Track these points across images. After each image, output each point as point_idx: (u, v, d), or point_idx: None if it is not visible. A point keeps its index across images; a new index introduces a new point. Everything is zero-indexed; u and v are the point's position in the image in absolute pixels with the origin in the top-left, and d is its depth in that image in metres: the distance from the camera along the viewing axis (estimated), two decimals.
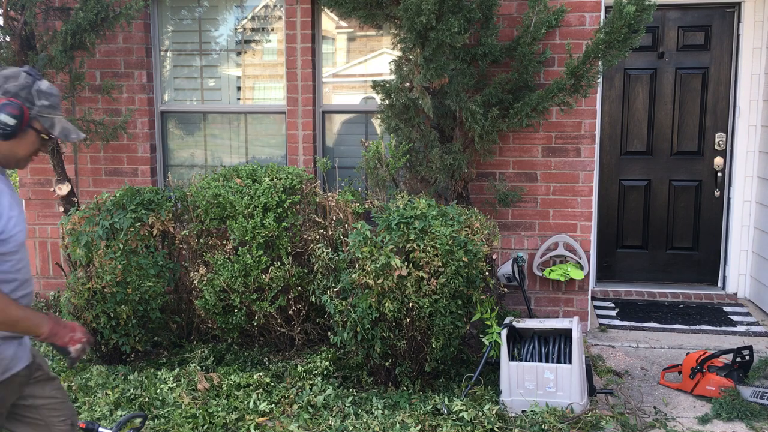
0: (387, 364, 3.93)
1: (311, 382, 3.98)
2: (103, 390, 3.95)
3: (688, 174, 5.73)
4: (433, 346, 3.81)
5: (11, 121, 2.03)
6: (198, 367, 4.16)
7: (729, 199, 5.62)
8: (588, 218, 4.97)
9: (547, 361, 3.75)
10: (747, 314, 5.26)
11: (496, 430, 3.51)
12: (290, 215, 4.29)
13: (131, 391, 3.93)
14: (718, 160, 5.62)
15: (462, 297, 3.80)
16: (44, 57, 4.56)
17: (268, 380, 3.99)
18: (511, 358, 3.79)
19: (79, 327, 2.18)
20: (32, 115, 2.10)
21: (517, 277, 4.61)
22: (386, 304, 3.68)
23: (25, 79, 2.09)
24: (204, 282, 4.22)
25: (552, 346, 3.79)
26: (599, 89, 5.08)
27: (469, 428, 3.49)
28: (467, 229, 3.88)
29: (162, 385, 3.95)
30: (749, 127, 5.45)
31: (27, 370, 2.21)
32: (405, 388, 3.95)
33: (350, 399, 3.82)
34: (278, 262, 4.22)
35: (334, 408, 3.74)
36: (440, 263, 3.65)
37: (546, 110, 4.59)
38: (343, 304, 3.86)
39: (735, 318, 5.18)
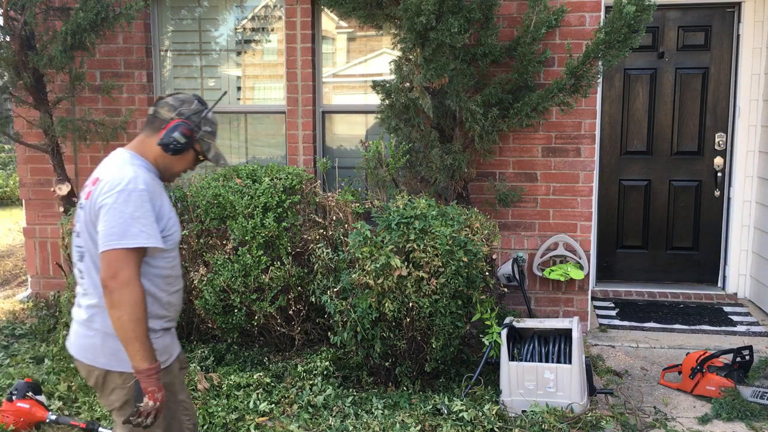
0: (387, 364, 3.93)
1: (311, 382, 3.98)
2: None
3: (688, 174, 5.73)
4: (433, 346, 3.81)
5: (182, 140, 2.31)
6: (198, 367, 4.16)
7: (729, 199, 5.62)
8: (588, 218, 4.97)
9: (547, 361, 3.75)
10: (747, 314, 5.26)
11: (496, 430, 3.51)
12: (290, 215, 4.29)
13: None
14: (718, 160, 5.62)
15: (462, 297, 3.80)
16: (44, 57, 4.57)
17: (268, 380, 3.99)
18: (511, 358, 3.79)
19: (164, 395, 2.20)
20: (197, 138, 2.37)
21: (517, 277, 4.61)
22: (386, 304, 3.68)
23: (197, 106, 2.38)
24: (204, 282, 4.22)
25: (552, 346, 3.79)
26: (599, 89, 5.07)
27: (469, 428, 3.50)
28: (467, 229, 3.88)
29: None
30: (749, 127, 5.45)
31: (180, 357, 2.45)
32: (405, 388, 3.95)
33: (350, 399, 3.82)
34: (278, 262, 4.22)
35: (334, 408, 3.74)
36: (440, 263, 3.65)
37: (546, 110, 4.59)
38: (343, 304, 3.86)
39: (735, 318, 5.18)
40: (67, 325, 4.31)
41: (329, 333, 4.08)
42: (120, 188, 2.16)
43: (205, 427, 3.57)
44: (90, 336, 2.25)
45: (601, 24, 4.61)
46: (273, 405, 3.78)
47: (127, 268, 2.11)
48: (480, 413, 3.59)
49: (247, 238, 4.16)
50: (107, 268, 2.11)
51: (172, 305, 2.37)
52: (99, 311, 2.22)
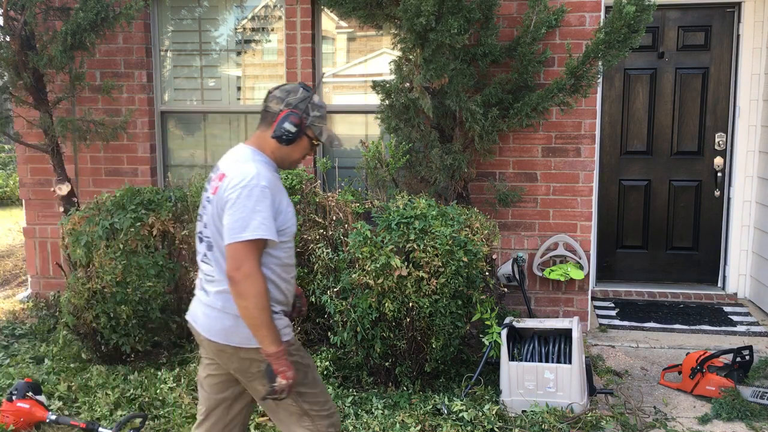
0: (387, 364, 3.93)
1: None
2: (103, 390, 3.95)
3: (688, 174, 5.73)
4: (433, 346, 3.81)
5: (293, 129, 2.42)
6: (198, 368, 4.16)
7: (729, 199, 5.62)
8: (588, 218, 4.97)
9: (547, 361, 3.75)
10: (747, 314, 5.26)
11: (496, 430, 3.51)
12: None
13: (131, 391, 3.93)
14: (718, 160, 5.62)
15: (462, 297, 3.80)
16: (44, 57, 4.57)
17: None
18: (511, 358, 3.79)
19: (295, 372, 2.37)
20: (307, 124, 2.47)
21: (517, 277, 4.61)
22: (386, 304, 3.68)
23: (302, 93, 2.47)
24: None
25: (552, 346, 3.78)
26: (599, 89, 5.07)
27: (469, 428, 3.49)
28: (467, 229, 3.88)
29: (162, 385, 3.95)
30: (749, 127, 5.45)
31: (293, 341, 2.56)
32: (405, 388, 3.95)
33: (350, 399, 3.82)
34: None
35: None
36: (440, 263, 3.65)
37: (546, 110, 4.59)
38: (343, 304, 3.86)
39: (735, 318, 5.18)
40: (67, 325, 4.31)
41: (329, 333, 4.08)
42: (243, 184, 2.31)
43: None
44: (222, 318, 2.41)
45: (601, 24, 4.60)
46: None
47: (249, 260, 2.27)
48: (480, 413, 3.59)
49: None
50: (231, 261, 2.28)
51: (289, 291, 2.53)
52: (229, 296, 2.36)
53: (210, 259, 2.45)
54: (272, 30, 5.44)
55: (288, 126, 2.42)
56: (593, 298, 5.54)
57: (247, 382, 2.50)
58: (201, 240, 2.50)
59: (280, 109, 2.45)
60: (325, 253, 4.07)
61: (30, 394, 3.64)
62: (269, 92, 2.51)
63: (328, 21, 5.33)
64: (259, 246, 2.32)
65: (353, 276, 3.75)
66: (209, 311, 2.46)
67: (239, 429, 2.65)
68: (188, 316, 2.57)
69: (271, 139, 2.46)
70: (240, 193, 2.30)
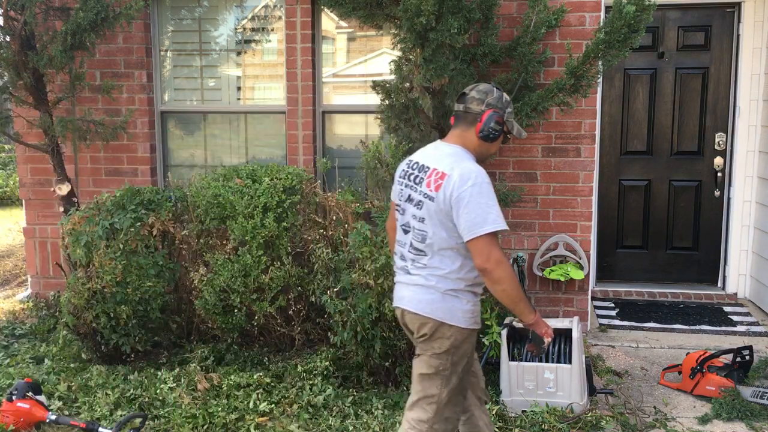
0: (387, 364, 3.93)
1: (311, 382, 3.98)
2: (103, 390, 3.95)
3: (688, 174, 5.73)
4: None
5: (498, 127, 2.63)
6: (198, 367, 4.16)
7: (729, 199, 5.62)
8: (588, 218, 4.97)
9: (547, 361, 3.75)
10: (747, 314, 5.26)
11: (496, 430, 3.51)
12: (290, 215, 4.29)
13: (131, 391, 3.93)
14: (718, 160, 5.62)
15: None
16: (44, 57, 4.57)
17: (268, 380, 3.99)
18: (511, 358, 3.79)
19: (550, 327, 2.69)
20: (504, 121, 2.67)
21: (517, 277, 4.61)
22: (386, 304, 3.68)
23: (497, 93, 2.68)
24: (204, 282, 4.22)
25: (552, 346, 3.78)
26: (599, 89, 5.07)
27: None
28: None
29: (162, 385, 3.95)
30: (749, 127, 5.45)
31: None
32: (405, 388, 3.95)
33: (350, 399, 3.82)
34: (278, 262, 4.21)
35: (334, 408, 3.74)
36: None
37: (546, 110, 4.58)
38: (343, 304, 3.85)
39: (735, 318, 5.18)
40: (67, 325, 4.31)
41: (329, 333, 4.08)
42: (472, 183, 2.51)
43: (205, 427, 3.57)
44: (430, 292, 2.62)
45: (601, 24, 4.60)
46: (273, 405, 3.78)
47: (494, 249, 2.48)
48: None
49: (247, 238, 4.16)
50: (479, 254, 2.49)
51: None
52: (439, 278, 2.60)
53: (421, 250, 2.63)
54: (272, 30, 5.44)
55: (494, 125, 2.61)
56: (593, 298, 5.54)
57: (422, 353, 2.66)
58: (407, 232, 2.69)
59: (482, 110, 2.63)
60: (325, 253, 4.07)
61: (30, 394, 3.64)
62: (464, 94, 2.69)
63: (328, 21, 5.33)
64: (497, 235, 2.51)
65: (353, 276, 3.75)
66: (416, 288, 2.65)
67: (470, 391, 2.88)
68: (395, 303, 2.77)
69: (475, 137, 2.65)
70: (472, 191, 2.49)
